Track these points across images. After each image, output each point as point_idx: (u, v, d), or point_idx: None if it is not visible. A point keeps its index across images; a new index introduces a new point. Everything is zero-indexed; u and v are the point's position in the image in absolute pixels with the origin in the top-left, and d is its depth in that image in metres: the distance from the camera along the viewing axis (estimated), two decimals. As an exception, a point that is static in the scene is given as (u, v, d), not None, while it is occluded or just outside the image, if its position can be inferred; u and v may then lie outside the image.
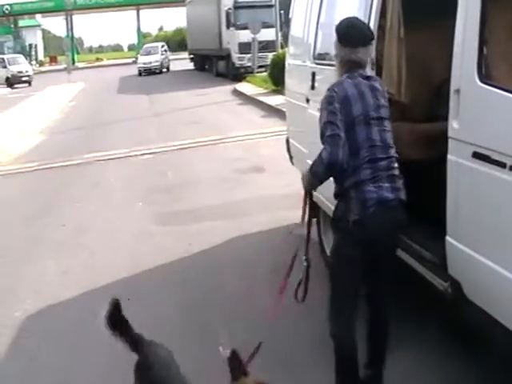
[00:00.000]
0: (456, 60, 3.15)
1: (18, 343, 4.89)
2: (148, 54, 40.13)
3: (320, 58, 5.25)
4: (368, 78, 3.45)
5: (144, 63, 38.78)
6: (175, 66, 42.44)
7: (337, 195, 3.45)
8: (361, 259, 3.35)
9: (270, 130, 12.78)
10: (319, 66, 5.21)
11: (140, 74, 37.92)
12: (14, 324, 5.18)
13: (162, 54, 40.66)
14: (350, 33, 3.45)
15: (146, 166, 11.25)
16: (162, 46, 42.59)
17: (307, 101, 5.54)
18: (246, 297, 5.21)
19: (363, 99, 3.32)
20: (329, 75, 4.49)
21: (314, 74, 5.31)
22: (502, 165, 2.76)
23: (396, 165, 3.37)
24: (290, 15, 6.64)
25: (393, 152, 3.38)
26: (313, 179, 3.43)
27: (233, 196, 8.45)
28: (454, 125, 3.14)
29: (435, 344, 4.13)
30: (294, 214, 6.75)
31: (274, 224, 6.94)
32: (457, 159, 3.13)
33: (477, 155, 2.95)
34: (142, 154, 12.27)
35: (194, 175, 10.00)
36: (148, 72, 37.93)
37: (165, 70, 39.95)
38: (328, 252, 5.32)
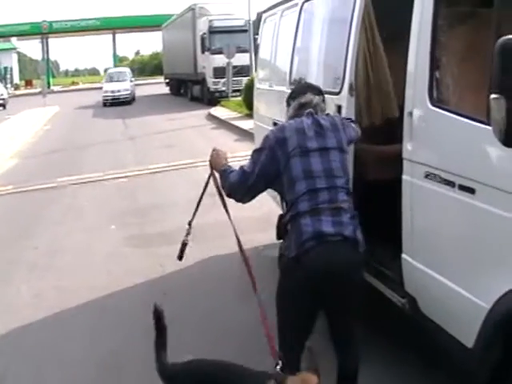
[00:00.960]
0: (409, 83, 3.33)
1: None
2: (114, 80, 35.08)
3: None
4: (314, 115, 3.39)
5: (112, 91, 33.44)
6: (153, 90, 42.18)
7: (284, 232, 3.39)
8: (307, 298, 3.11)
9: (243, 154, 12.75)
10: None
11: (105, 105, 32.78)
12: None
13: (131, 81, 35.82)
14: (297, 87, 3.87)
15: (120, 190, 11.29)
16: (130, 73, 38.06)
17: (274, 125, 5.70)
18: (215, 314, 5.33)
19: (299, 133, 3.27)
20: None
21: None
22: (451, 184, 2.93)
23: (345, 197, 3.18)
24: (259, 41, 6.82)
25: (341, 182, 3.19)
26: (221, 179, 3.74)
27: (204, 218, 8.44)
28: (407, 146, 3.32)
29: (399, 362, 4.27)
30: (264, 236, 6.97)
31: (244, 246, 7.01)
32: (411, 179, 3.30)
33: (429, 175, 3.12)
34: (115, 178, 12.30)
35: (166, 198, 10.08)
36: (115, 102, 32.47)
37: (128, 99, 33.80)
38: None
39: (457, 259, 3.01)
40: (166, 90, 40.11)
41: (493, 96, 2.26)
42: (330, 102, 3.97)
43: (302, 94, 3.55)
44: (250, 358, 4.23)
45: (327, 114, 3.51)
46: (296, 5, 5.39)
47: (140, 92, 40.45)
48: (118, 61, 64.87)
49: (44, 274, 6.93)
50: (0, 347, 5.18)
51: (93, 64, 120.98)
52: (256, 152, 3.42)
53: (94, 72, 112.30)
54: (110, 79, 35.52)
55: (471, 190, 2.80)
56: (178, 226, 8.13)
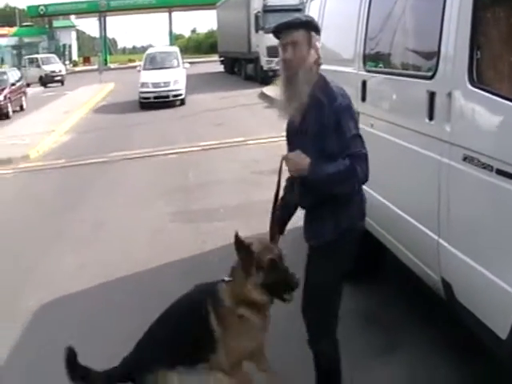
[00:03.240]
0: (447, 63, 3.23)
1: (31, 330, 5.07)
2: (157, 66, 23.08)
3: (372, 63, 4.73)
4: None
5: (154, 84, 21.40)
6: (208, 68, 41.99)
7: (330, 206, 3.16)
8: None
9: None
10: (372, 74, 4.65)
11: (143, 106, 21.45)
12: (27, 312, 5.37)
13: (183, 67, 23.43)
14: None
15: (168, 166, 11.42)
16: (179, 54, 24.82)
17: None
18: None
19: None
20: (380, 83, 4.52)
21: (364, 83, 4.71)
22: (489, 168, 2.83)
23: None
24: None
25: None
26: (323, 181, 3.03)
27: (252, 197, 8.54)
28: (446, 128, 3.22)
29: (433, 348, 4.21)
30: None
31: (289, 226, 7.02)
32: (449, 162, 3.20)
33: (467, 158, 3.03)
34: (165, 154, 12.45)
35: (214, 176, 10.13)
36: (158, 103, 21.00)
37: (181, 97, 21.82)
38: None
39: (493, 247, 2.91)
40: (221, 68, 40.14)
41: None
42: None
43: None
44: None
45: None
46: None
47: (195, 70, 40.58)
48: (175, 39, 65.15)
49: (89, 246, 7.11)
50: (44, 317, 5.33)
51: (150, 42, 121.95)
52: (354, 124, 3.09)
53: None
54: (151, 64, 23.42)
55: (509, 175, 2.70)
56: (224, 204, 8.26)
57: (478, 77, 2.99)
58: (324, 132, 3.05)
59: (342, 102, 3.06)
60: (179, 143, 13.41)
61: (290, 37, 3.15)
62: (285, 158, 3.09)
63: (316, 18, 5.89)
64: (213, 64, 43.98)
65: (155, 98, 21.10)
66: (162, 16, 69.74)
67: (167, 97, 21.15)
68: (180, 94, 21.49)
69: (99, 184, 10.36)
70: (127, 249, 6.87)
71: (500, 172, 2.75)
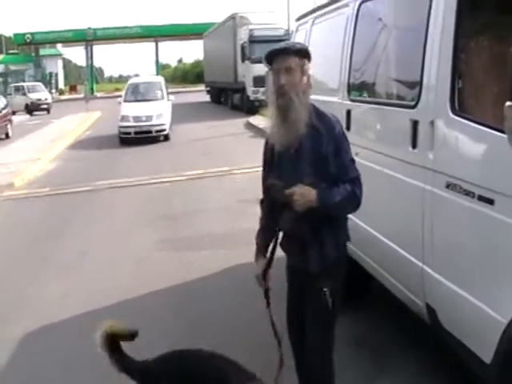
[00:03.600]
0: (430, 92, 3.30)
1: (17, 359, 5.02)
2: (139, 98, 21.48)
3: (356, 93, 4.86)
4: None
5: (135, 118, 19.61)
6: (194, 98, 42.17)
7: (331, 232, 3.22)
8: None
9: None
10: (356, 104, 4.74)
11: (123, 141, 19.59)
12: (13, 340, 5.32)
13: (167, 99, 21.83)
14: None
15: (155, 195, 11.41)
16: (163, 84, 22.85)
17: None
18: (239, 321, 5.34)
19: None
20: (365, 112, 4.60)
21: (349, 112, 4.78)
22: (471, 194, 2.89)
23: None
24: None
25: None
26: (330, 209, 3.10)
27: (236, 226, 8.57)
28: (429, 155, 3.28)
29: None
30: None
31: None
32: (431, 189, 3.26)
33: (449, 185, 3.08)
34: (151, 183, 12.47)
35: (201, 204, 10.16)
36: (140, 138, 19.25)
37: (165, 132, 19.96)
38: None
39: (475, 272, 2.96)
40: (207, 98, 40.40)
41: (508, 103, 2.23)
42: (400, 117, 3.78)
43: None
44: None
45: None
46: (337, 9, 5.21)
47: (182, 100, 40.75)
48: (161, 68, 65.58)
49: (74, 274, 7.06)
50: (28, 345, 5.27)
51: (136, 71, 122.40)
52: (349, 148, 3.18)
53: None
54: (133, 96, 21.67)
55: (490, 201, 2.75)
56: (210, 232, 8.27)
57: (460, 105, 3.07)
58: (322, 159, 3.10)
59: (339, 130, 3.16)
60: (166, 172, 13.45)
61: (285, 63, 3.15)
62: (291, 193, 3.03)
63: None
64: (199, 94, 44.30)
65: (136, 133, 19.35)
66: (149, 45, 70.13)
67: (149, 132, 19.38)
68: (163, 130, 19.70)
69: (84, 212, 10.33)
70: (112, 277, 6.83)
71: (481, 198, 2.81)
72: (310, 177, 3.09)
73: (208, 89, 40.92)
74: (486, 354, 2.83)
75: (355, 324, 5.07)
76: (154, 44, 64.01)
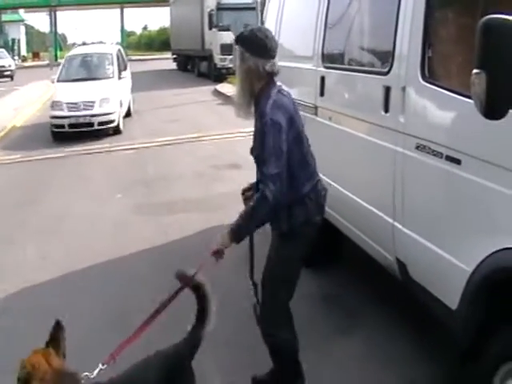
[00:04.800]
0: (402, 60, 3.53)
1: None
2: (79, 77, 15.87)
3: (330, 60, 4.97)
4: (285, 91, 3.47)
5: (69, 105, 14.21)
6: (160, 66, 41.70)
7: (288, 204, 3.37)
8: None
9: (247, 130, 13.06)
10: (330, 71, 4.88)
11: (55, 137, 14.27)
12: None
13: (119, 76, 16.00)
14: (268, 43, 3.35)
15: (127, 161, 11.54)
16: (120, 55, 17.39)
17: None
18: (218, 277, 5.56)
19: (295, 114, 3.41)
20: (338, 79, 4.78)
21: (323, 79, 4.94)
22: (439, 155, 3.13)
23: None
24: (264, 18, 6.95)
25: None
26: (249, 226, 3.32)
27: (209, 190, 8.79)
28: (400, 119, 3.52)
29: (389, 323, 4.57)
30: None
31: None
32: (402, 150, 3.50)
33: (419, 147, 3.32)
34: (122, 150, 12.57)
35: (172, 171, 10.34)
36: (74, 133, 14.13)
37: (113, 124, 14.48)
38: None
39: (443, 226, 3.22)
40: (174, 65, 40.12)
41: (475, 71, 2.45)
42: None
43: (274, 55, 3.37)
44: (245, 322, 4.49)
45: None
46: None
47: (148, 67, 40.43)
48: (126, 35, 64.70)
49: (51, 237, 7.20)
50: (9, 307, 5.38)
51: (100, 38, 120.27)
52: (273, 142, 3.21)
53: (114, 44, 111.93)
54: (71, 73, 16.14)
55: (457, 161, 2.99)
56: (183, 197, 8.46)
57: (430, 73, 3.30)
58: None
59: (267, 119, 3.24)
60: (137, 139, 13.53)
61: None
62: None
63: (275, 17, 6.18)
64: (165, 61, 43.90)
65: (71, 126, 13.99)
66: (114, 12, 69.06)
67: (90, 124, 13.95)
68: (111, 120, 14.19)
69: (58, 178, 10.40)
70: (90, 240, 6.99)
71: (449, 158, 3.05)
72: (255, 151, 3.37)
73: (174, 56, 40.59)
74: (452, 301, 3.09)
75: (328, 282, 5.35)
76: (119, 10, 63.10)
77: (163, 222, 7.49)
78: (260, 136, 3.26)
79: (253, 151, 3.41)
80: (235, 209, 8.08)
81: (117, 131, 14.51)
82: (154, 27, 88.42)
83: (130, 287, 5.57)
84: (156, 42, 72.26)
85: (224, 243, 3.28)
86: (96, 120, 14.00)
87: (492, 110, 2.48)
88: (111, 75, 15.62)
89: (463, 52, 3.08)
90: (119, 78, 15.73)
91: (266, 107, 3.26)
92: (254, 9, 25.46)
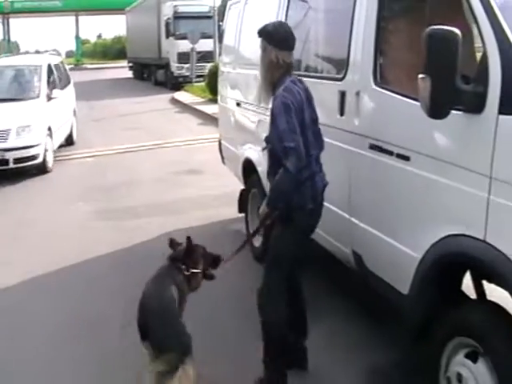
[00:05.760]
0: (356, 67, 3.84)
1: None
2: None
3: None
4: (300, 81, 3.75)
5: None
6: (116, 74, 41.37)
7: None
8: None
9: (206, 137, 13.35)
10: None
11: None
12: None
13: (49, 98, 11.80)
14: (288, 36, 3.69)
15: (87, 169, 11.58)
16: (53, 66, 13.11)
17: (238, 105, 6.18)
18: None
19: (310, 105, 3.68)
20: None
21: None
22: (390, 153, 3.43)
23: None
24: (223, 27, 7.20)
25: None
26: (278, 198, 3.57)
27: (170, 195, 8.96)
28: (354, 122, 3.82)
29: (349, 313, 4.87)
30: (226, 211, 7.42)
31: (207, 220, 7.53)
32: (357, 150, 3.81)
33: (372, 146, 3.62)
34: (82, 158, 12.58)
35: (133, 176, 10.46)
36: None
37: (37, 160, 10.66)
38: (258, 244, 5.82)
39: (394, 218, 3.53)
40: (129, 74, 39.97)
41: (420, 76, 2.74)
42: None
43: (293, 48, 3.70)
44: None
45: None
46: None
47: (104, 76, 40.15)
48: (81, 43, 64.23)
49: (13, 243, 7.20)
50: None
51: (54, 46, 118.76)
52: (286, 120, 3.46)
53: (55, 54, 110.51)
54: None
55: (407, 158, 3.30)
56: (144, 203, 8.60)
57: (381, 78, 3.63)
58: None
59: (276, 103, 3.55)
60: (95, 147, 13.56)
61: None
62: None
63: (234, 25, 6.43)
64: (121, 70, 43.68)
65: None
66: (69, 20, 68.32)
67: (2, 162, 10.32)
68: (33, 156, 10.62)
69: (16, 185, 10.28)
70: (53, 245, 7.03)
71: (399, 156, 3.36)
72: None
73: (130, 65, 40.51)
74: (404, 287, 3.39)
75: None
76: (74, 18, 62.53)
77: (125, 226, 7.61)
78: (272, 118, 3.54)
79: (267, 139, 3.70)
80: (195, 213, 8.37)
81: (42, 170, 10.92)
82: (108, 35, 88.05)
83: (92, 290, 5.69)
84: (111, 51, 71.84)
85: (263, 212, 3.68)
86: (11, 156, 10.32)
87: (436, 111, 2.79)
88: (36, 95, 11.70)
89: (411, 59, 3.40)
90: (49, 98, 11.79)
91: (278, 92, 3.57)
92: (210, 17, 25.75)
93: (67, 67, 15.64)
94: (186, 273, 3.71)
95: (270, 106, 3.66)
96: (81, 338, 4.78)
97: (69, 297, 5.62)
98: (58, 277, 6.08)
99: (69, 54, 78.68)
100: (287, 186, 3.47)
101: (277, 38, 3.65)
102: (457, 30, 2.67)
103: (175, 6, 27.28)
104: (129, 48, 40.95)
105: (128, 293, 5.49)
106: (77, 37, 63.19)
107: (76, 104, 15.07)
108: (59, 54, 26.61)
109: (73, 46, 60.07)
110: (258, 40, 3.73)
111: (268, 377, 3.80)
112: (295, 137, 3.42)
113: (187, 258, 3.76)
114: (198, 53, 25.47)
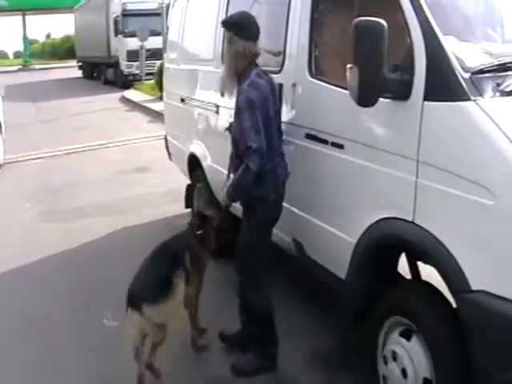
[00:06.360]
0: (291, 59, 3.93)
1: None
2: None
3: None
4: (265, 73, 3.81)
5: None
6: (65, 74, 40.73)
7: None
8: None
9: (155, 134, 13.26)
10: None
11: None
12: None
13: None
14: (253, 27, 3.74)
15: (34, 171, 11.39)
16: None
17: (182, 101, 6.22)
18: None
19: (273, 97, 3.77)
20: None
21: None
22: (325, 142, 3.53)
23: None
24: (168, 24, 7.23)
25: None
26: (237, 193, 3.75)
27: (117, 195, 8.91)
28: (291, 112, 3.91)
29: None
30: (173, 207, 7.43)
31: (155, 217, 7.55)
32: (293, 140, 3.91)
33: (308, 136, 3.72)
34: (29, 160, 12.36)
35: (81, 177, 10.36)
36: None
37: None
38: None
39: (330, 205, 3.64)
40: (79, 73, 39.43)
41: (349, 66, 2.84)
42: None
43: (258, 38, 3.76)
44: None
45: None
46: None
47: (52, 76, 39.52)
48: (29, 43, 63.07)
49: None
50: None
51: (1, 47, 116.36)
52: (250, 117, 3.55)
53: (2, 56, 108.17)
54: None
55: (341, 146, 3.41)
56: (92, 202, 8.54)
57: (316, 70, 3.73)
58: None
59: (242, 98, 3.67)
60: (43, 148, 13.35)
61: None
62: None
63: (178, 21, 6.46)
64: (71, 69, 43.03)
65: None
66: (15, 19, 66.92)
67: None
68: None
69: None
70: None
71: (334, 144, 3.46)
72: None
73: (80, 64, 39.97)
74: (341, 271, 3.49)
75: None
76: (21, 18, 61.30)
77: (72, 227, 7.54)
78: (236, 112, 3.64)
79: (230, 129, 3.85)
80: (143, 210, 8.35)
81: None
82: (57, 35, 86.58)
83: (39, 292, 5.65)
84: (60, 50, 70.55)
85: (224, 205, 3.93)
86: None
87: (364, 99, 2.89)
88: None
89: (343, 51, 3.48)
90: None
91: (243, 86, 3.63)
92: (159, 14, 25.56)
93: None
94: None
95: (234, 98, 3.76)
96: (29, 339, 4.77)
97: (15, 298, 5.58)
98: (4, 279, 6.02)
99: (17, 55, 77.28)
100: (248, 182, 3.60)
101: (242, 28, 3.71)
102: (382, 21, 2.77)
103: (123, 3, 27.02)
104: (78, 47, 40.39)
105: (75, 292, 5.55)
106: (24, 37, 61.94)
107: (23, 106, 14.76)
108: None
109: (21, 47, 58.86)
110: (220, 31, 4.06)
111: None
112: (258, 137, 3.52)
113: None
114: (148, 50, 25.28)
